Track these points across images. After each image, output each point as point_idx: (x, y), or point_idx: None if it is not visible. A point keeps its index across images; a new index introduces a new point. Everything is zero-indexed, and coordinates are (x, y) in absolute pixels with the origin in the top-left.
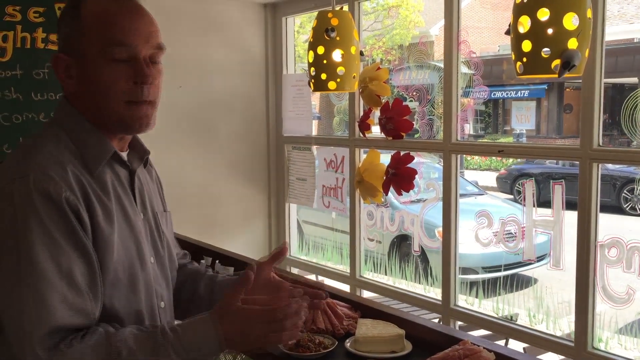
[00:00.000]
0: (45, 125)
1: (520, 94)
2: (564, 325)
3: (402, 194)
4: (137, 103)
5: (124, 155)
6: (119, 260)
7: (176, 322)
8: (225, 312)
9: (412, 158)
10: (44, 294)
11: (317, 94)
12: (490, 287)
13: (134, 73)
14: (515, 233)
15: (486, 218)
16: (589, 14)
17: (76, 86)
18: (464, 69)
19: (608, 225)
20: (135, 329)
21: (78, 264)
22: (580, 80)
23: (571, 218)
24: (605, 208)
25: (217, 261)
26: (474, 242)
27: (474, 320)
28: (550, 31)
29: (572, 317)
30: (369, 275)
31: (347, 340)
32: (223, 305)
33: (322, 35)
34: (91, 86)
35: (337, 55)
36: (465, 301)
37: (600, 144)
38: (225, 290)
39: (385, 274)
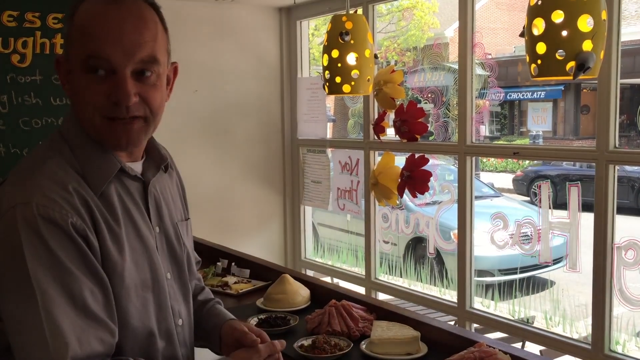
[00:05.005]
0: (51, 137)
1: (537, 95)
2: (581, 328)
3: (417, 197)
4: (114, 119)
5: (137, 165)
6: (131, 284)
7: None
8: None
9: (427, 160)
10: (59, 327)
11: (332, 96)
12: (506, 290)
13: (111, 89)
14: (531, 235)
15: (502, 220)
16: (604, 15)
17: (69, 92)
18: (479, 71)
19: (625, 227)
20: None
21: (92, 290)
22: (597, 82)
23: (588, 220)
24: (623, 210)
25: (233, 263)
26: (489, 244)
27: (490, 323)
28: (564, 33)
29: (589, 320)
30: (384, 277)
31: (363, 343)
32: None
33: (337, 38)
34: (74, 97)
35: (351, 58)
36: (481, 304)
37: (617, 145)
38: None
39: (401, 277)
